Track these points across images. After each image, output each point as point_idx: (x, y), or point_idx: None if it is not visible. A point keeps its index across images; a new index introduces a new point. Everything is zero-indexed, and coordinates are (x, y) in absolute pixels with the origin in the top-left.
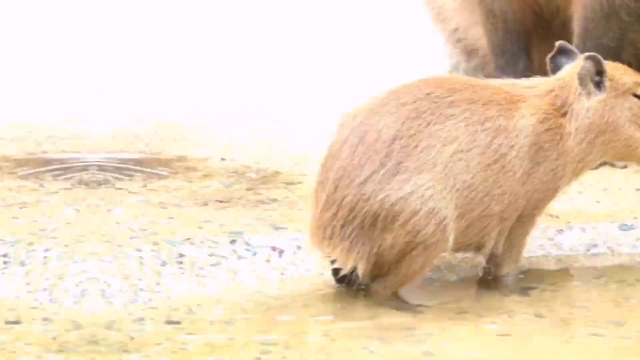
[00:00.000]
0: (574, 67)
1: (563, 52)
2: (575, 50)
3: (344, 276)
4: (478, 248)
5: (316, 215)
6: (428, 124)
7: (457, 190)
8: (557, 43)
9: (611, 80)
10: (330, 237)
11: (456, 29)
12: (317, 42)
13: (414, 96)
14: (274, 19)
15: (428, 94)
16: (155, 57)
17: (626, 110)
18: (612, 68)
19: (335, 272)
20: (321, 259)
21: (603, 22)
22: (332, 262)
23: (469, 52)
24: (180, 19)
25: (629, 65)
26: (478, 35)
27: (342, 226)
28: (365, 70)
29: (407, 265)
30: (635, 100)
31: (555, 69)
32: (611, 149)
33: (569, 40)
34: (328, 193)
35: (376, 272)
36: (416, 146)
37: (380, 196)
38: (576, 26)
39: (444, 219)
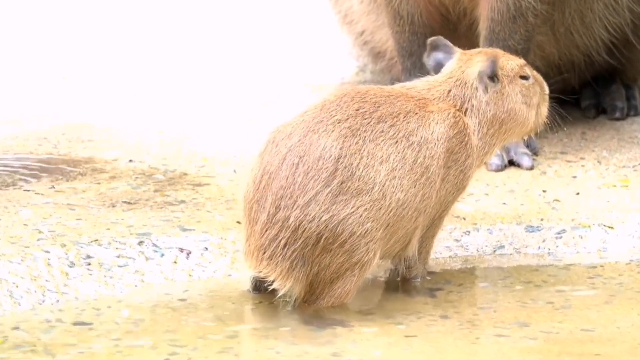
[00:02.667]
0: (459, 62)
1: (437, 47)
2: (449, 43)
3: (261, 286)
4: (398, 256)
5: (255, 236)
6: (364, 141)
7: (392, 210)
8: (429, 40)
9: (502, 69)
10: (270, 258)
11: (362, 32)
12: (225, 43)
13: (345, 113)
14: (177, 19)
15: (357, 110)
16: (62, 58)
17: (518, 94)
18: (499, 56)
19: (256, 283)
20: (229, 261)
21: (509, 24)
22: (260, 286)
23: (376, 55)
24: (86, 18)
25: (536, 68)
26: (385, 39)
27: (284, 247)
28: (273, 71)
29: (342, 286)
30: (522, 81)
31: (435, 66)
32: (511, 135)
33: (476, 43)
34: (269, 213)
35: (309, 294)
36: (357, 165)
37: (325, 217)
38: (483, 28)
39: (377, 239)
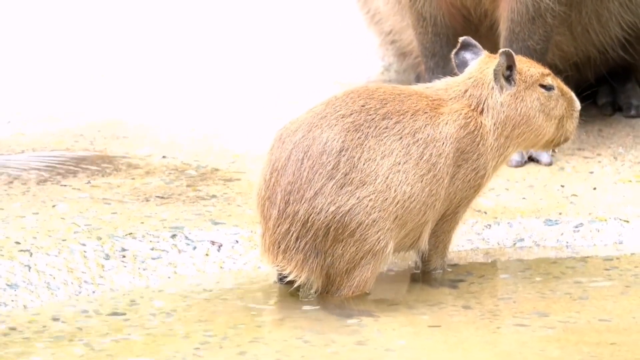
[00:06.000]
0: (481, 63)
1: (467, 47)
2: (478, 45)
3: (284, 277)
4: (411, 249)
5: (269, 231)
6: (366, 137)
7: (398, 202)
8: (461, 39)
9: (520, 73)
10: (285, 251)
11: (389, 32)
12: (254, 42)
13: (349, 109)
14: (210, 18)
15: (362, 106)
16: (97, 56)
17: (535, 100)
18: (519, 61)
19: (280, 275)
20: (259, 254)
21: (529, 25)
22: (284, 277)
23: (401, 54)
24: (120, 17)
25: (554, 66)
26: (410, 39)
27: (296, 239)
28: (303, 69)
29: (359, 274)
30: (542, 90)
31: (461, 64)
32: (525, 140)
33: (497, 43)
34: (279, 209)
35: (329, 285)
36: (359, 158)
37: (332, 208)
38: (503, 29)
39: (387, 230)
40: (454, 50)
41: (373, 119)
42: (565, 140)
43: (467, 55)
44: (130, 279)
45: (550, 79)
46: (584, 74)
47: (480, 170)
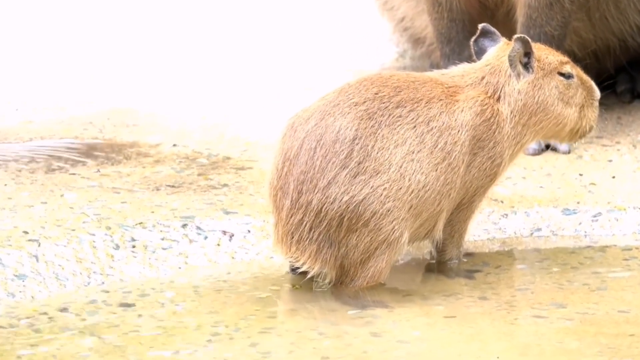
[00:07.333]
0: (498, 50)
1: (486, 34)
2: (497, 32)
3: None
4: (426, 238)
5: (282, 222)
6: (380, 125)
7: (412, 191)
8: (480, 26)
9: (538, 60)
10: (298, 242)
11: (403, 18)
12: (265, 29)
13: (363, 96)
14: (223, 4)
15: (376, 94)
16: (106, 44)
17: (553, 88)
18: (538, 49)
19: (292, 265)
20: (271, 244)
21: (546, 11)
22: (297, 267)
23: (416, 41)
24: (132, 4)
25: (572, 53)
26: (424, 25)
27: (310, 230)
28: (316, 57)
29: (374, 265)
30: (561, 78)
31: (479, 51)
32: (542, 129)
33: (514, 29)
34: (292, 199)
35: (343, 276)
36: (372, 147)
37: (345, 198)
38: (520, 15)
39: (401, 219)
40: (473, 38)
41: (387, 107)
42: (590, 129)
43: (486, 42)
44: (140, 269)
45: (570, 67)
46: (603, 64)
47: (496, 159)
